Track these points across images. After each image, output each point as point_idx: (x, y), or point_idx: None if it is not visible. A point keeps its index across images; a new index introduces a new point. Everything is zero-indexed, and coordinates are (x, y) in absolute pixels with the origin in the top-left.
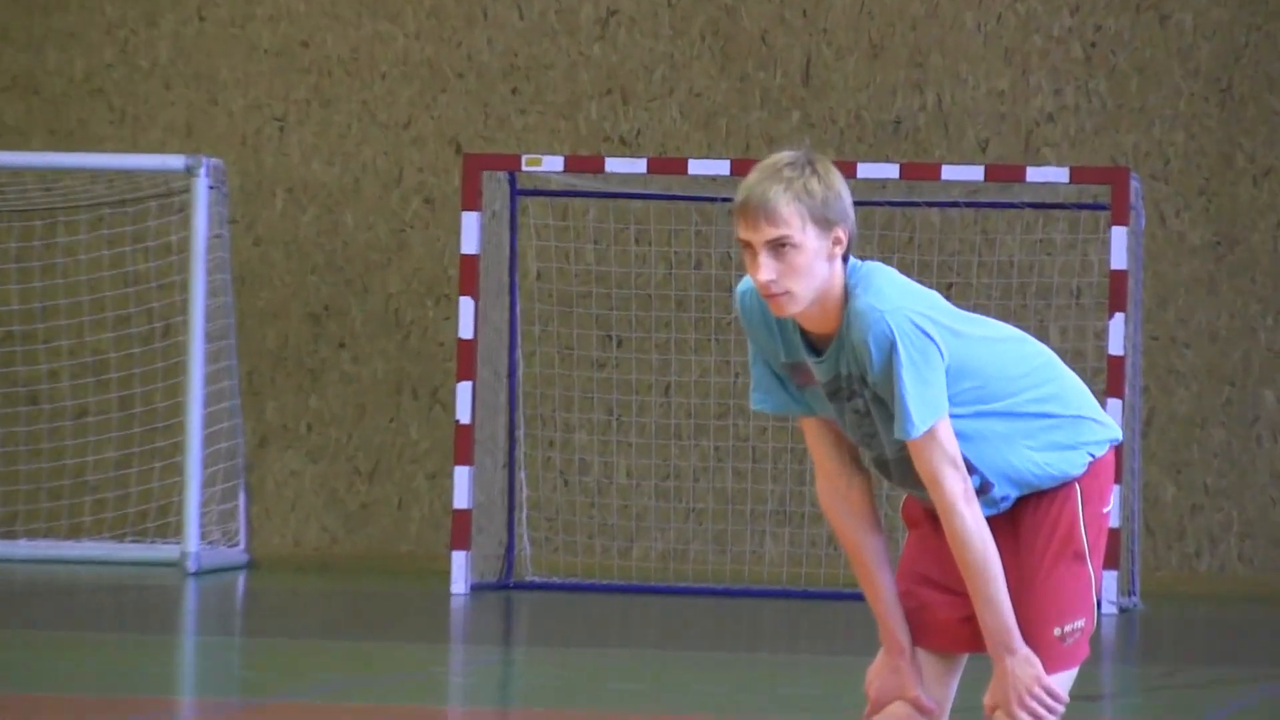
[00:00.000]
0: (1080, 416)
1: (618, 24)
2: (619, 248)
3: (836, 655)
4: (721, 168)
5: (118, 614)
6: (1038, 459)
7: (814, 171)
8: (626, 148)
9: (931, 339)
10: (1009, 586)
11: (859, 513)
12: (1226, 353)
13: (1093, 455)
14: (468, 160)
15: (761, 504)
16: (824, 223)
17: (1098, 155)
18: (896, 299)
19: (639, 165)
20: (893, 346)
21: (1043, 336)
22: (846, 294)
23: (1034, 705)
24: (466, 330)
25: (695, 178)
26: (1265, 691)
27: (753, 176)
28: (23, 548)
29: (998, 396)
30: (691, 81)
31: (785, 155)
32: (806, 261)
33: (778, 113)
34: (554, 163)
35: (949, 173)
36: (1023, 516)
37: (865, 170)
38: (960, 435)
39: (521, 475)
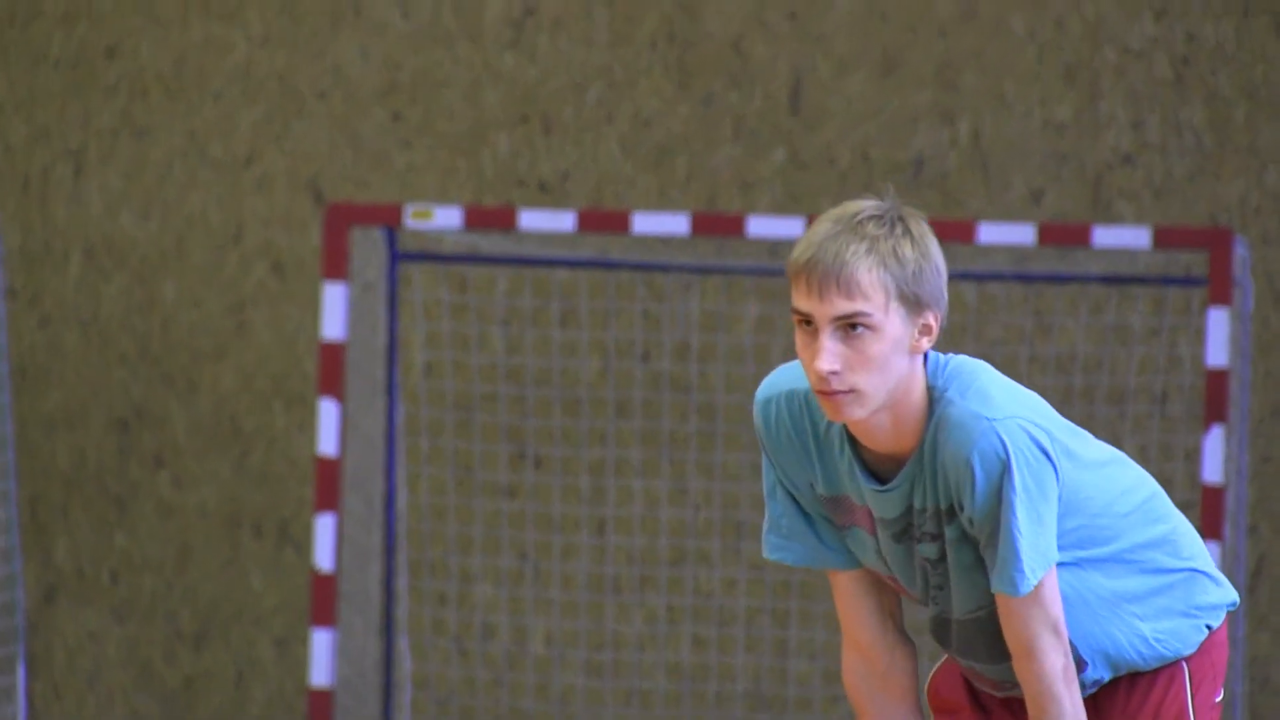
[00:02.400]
0: (1195, 571)
1: (537, 26)
2: (538, 332)
3: None
4: (678, 224)
5: None
6: (1146, 631)
7: (907, 232)
8: (549, 196)
9: (1051, 461)
10: None
11: (900, 701)
12: None
13: (1210, 627)
14: (331, 212)
15: (730, 683)
16: (913, 303)
17: (1191, 211)
18: (1008, 405)
19: (565, 220)
20: (1005, 469)
21: None
22: (931, 399)
23: None
24: (329, 445)
25: (642, 237)
26: None
27: (823, 228)
28: None
29: (1103, 541)
30: (638, 105)
31: (867, 205)
32: (884, 351)
33: (756, 149)
34: (449, 216)
35: (989, 233)
36: (1111, 707)
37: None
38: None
39: (403, 642)
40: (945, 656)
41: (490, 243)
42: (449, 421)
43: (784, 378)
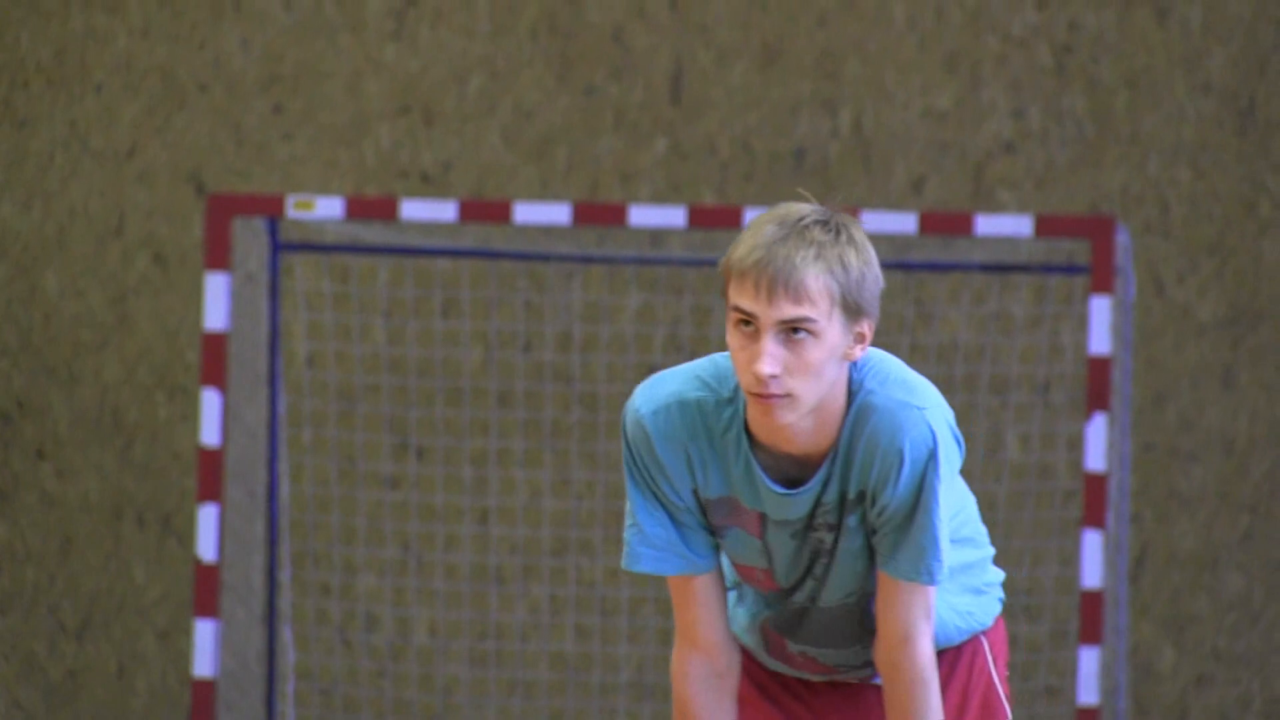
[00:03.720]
0: (988, 552)
1: (418, 17)
2: (420, 323)
3: None
4: (560, 214)
5: None
6: (959, 605)
7: (851, 240)
8: (430, 186)
9: (962, 452)
10: None
11: (733, 697)
12: (1245, 468)
13: (1001, 601)
14: (213, 203)
15: (614, 673)
16: (854, 310)
17: (1073, 199)
18: (931, 395)
19: (447, 210)
20: (932, 458)
21: (999, 444)
22: (851, 394)
23: None
24: (211, 435)
25: (524, 228)
26: None
27: (767, 230)
28: None
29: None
30: (519, 96)
31: (808, 210)
32: (822, 358)
33: (637, 139)
34: (331, 206)
35: (871, 221)
36: None
37: (755, 217)
38: None
39: (287, 633)
40: None
41: (372, 233)
42: (332, 412)
43: (667, 389)
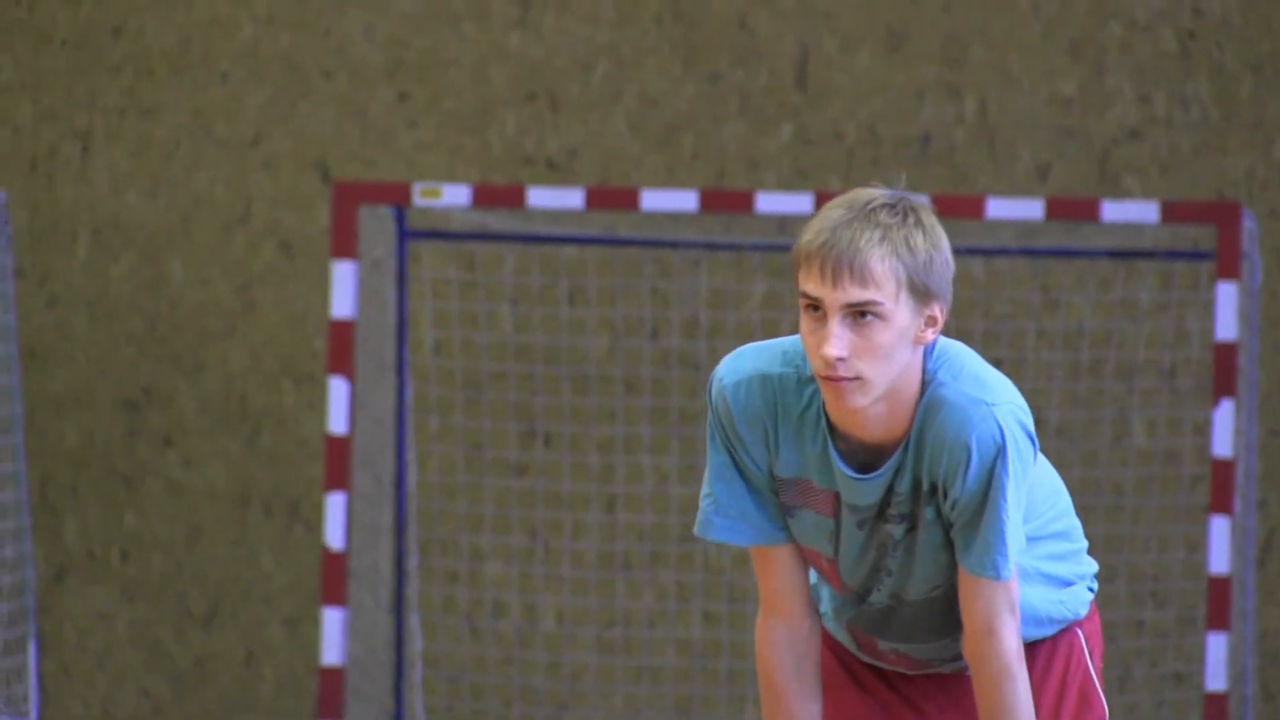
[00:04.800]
0: (1081, 545)
1: (543, 5)
2: (546, 310)
3: None
4: (687, 200)
5: None
6: (1053, 597)
7: (919, 223)
8: (556, 174)
9: (1035, 449)
10: None
11: (812, 669)
12: None
13: (1092, 591)
14: (339, 191)
15: (741, 660)
16: (923, 293)
17: (1198, 186)
18: (1003, 391)
19: (573, 198)
20: (1000, 454)
21: (1125, 430)
22: (923, 384)
23: None
24: (338, 423)
25: (650, 215)
26: None
27: (835, 214)
28: None
29: (1036, 517)
30: (644, 83)
31: (878, 194)
32: (891, 341)
33: (762, 126)
34: (457, 194)
35: (996, 208)
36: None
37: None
38: None
39: (414, 621)
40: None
41: (498, 221)
42: (459, 400)
43: (751, 363)
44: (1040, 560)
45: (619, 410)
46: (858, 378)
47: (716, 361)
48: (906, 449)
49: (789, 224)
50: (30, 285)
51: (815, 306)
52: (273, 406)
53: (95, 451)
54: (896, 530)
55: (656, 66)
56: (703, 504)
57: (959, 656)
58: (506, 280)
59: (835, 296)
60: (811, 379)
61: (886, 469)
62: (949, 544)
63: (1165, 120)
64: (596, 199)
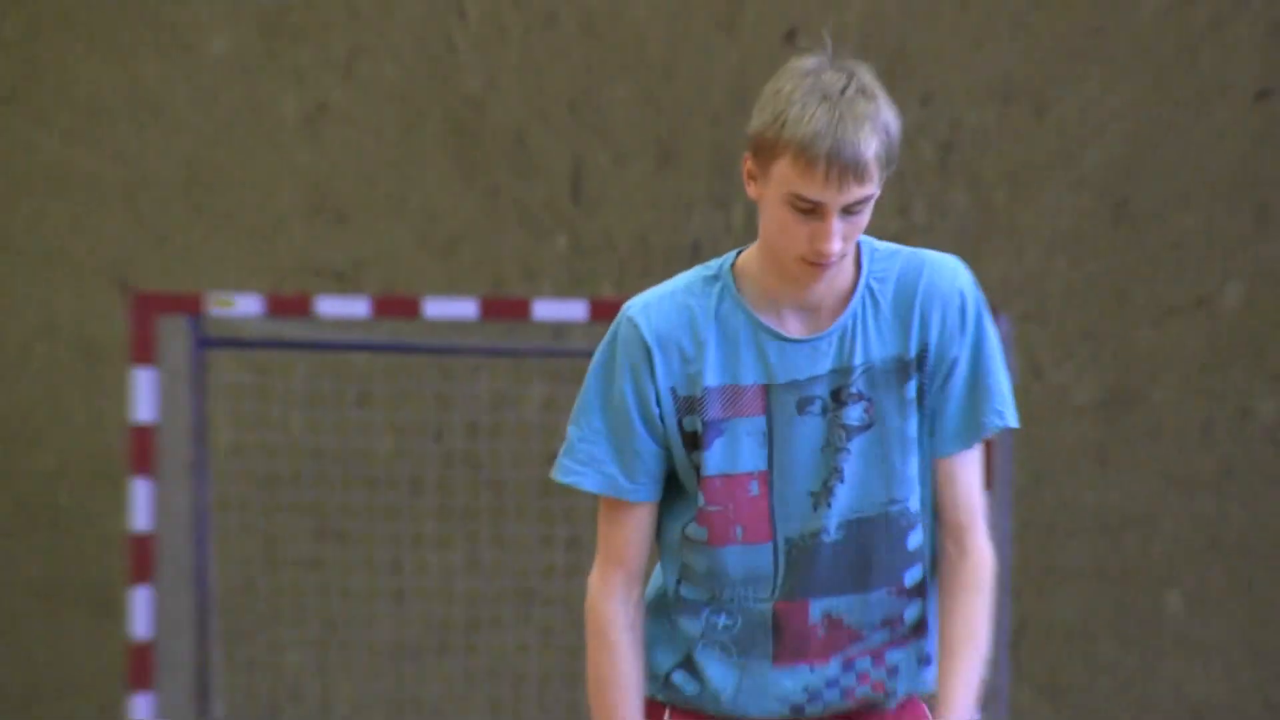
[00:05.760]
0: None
1: (329, 121)
2: (336, 414)
3: None
4: (467, 308)
5: None
6: (913, 664)
7: (878, 96)
8: (343, 283)
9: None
10: None
11: (640, 635)
12: (1119, 544)
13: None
14: (138, 301)
15: None
16: (889, 167)
17: None
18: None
19: (360, 306)
20: (981, 303)
21: None
22: (858, 246)
23: None
24: (142, 521)
25: (433, 322)
26: None
27: (819, 110)
28: None
29: None
30: (427, 196)
31: (839, 75)
32: (868, 217)
33: (539, 236)
34: (250, 303)
35: None
36: None
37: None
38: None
39: (218, 707)
40: None
41: (290, 329)
42: (255, 498)
43: (655, 292)
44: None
45: (405, 508)
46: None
47: (497, 462)
48: (865, 315)
49: (565, 330)
50: None
51: (811, 209)
52: (79, 506)
53: None
54: (852, 414)
55: (438, 180)
56: (565, 448)
57: (887, 623)
58: (299, 385)
59: (839, 199)
60: (715, 276)
61: (839, 325)
62: (908, 441)
63: (925, 227)
64: (382, 308)
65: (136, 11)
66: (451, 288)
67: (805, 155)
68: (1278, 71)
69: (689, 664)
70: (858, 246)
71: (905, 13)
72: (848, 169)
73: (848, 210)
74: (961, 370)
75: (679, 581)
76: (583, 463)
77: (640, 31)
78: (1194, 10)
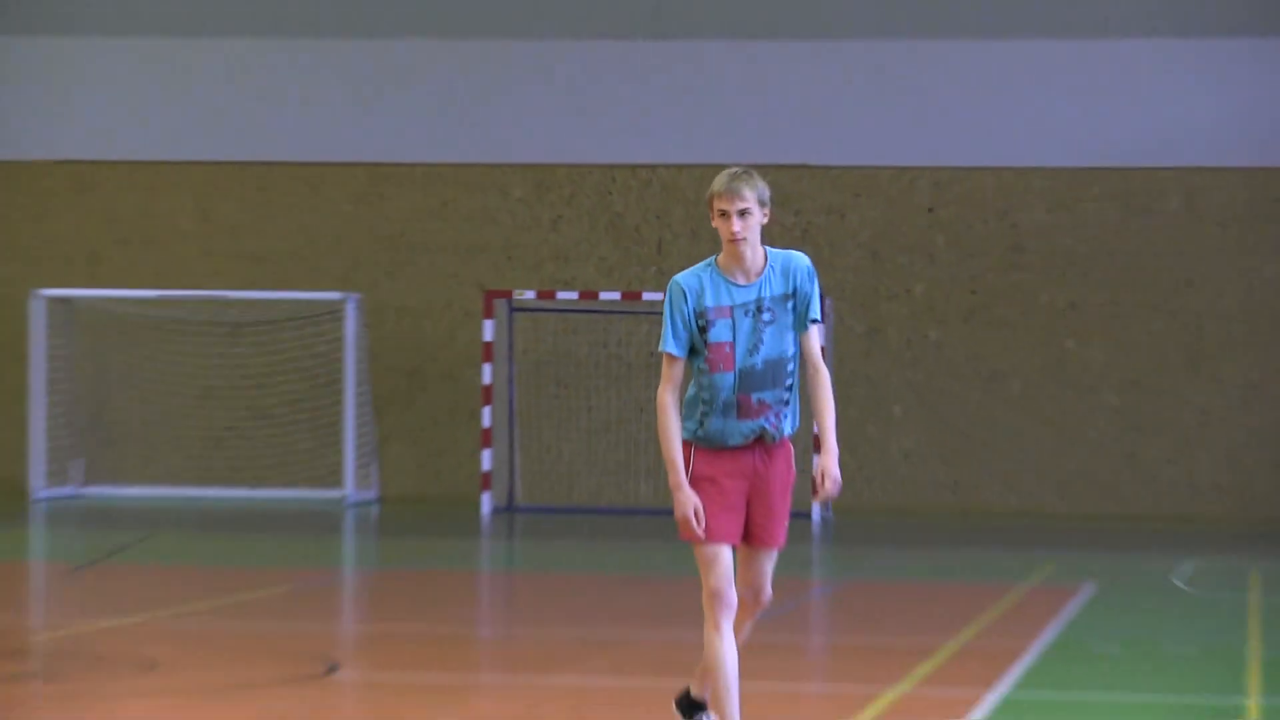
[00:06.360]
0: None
1: None
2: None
3: None
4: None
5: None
6: (792, 420)
7: (755, 176)
8: None
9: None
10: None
11: (678, 411)
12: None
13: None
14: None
15: None
16: (762, 203)
17: None
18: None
19: None
20: (810, 272)
21: None
22: (764, 247)
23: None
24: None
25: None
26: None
27: (724, 177)
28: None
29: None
30: None
31: (736, 168)
32: (754, 222)
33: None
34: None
35: None
36: (777, 452)
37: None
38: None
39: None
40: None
41: None
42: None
43: (684, 273)
44: (795, 403)
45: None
46: (745, 239)
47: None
48: (771, 275)
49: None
50: None
51: (725, 214)
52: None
53: None
54: (766, 316)
55: None
56: (664, 339)
57: (780, 400)
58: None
59: (734, 206)
60: (707, 265)
61: (760, 282)
62: (788, 328)
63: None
64: None
65: None
66: None
67: (720, 191)
68: None
69: (701, 423)
70: (765, 251)
71: None
72: (734, 195)
73: (740, 214)
74: (803, 298)
75: (697, 389)
76: (663, 341)
77: None
78: None
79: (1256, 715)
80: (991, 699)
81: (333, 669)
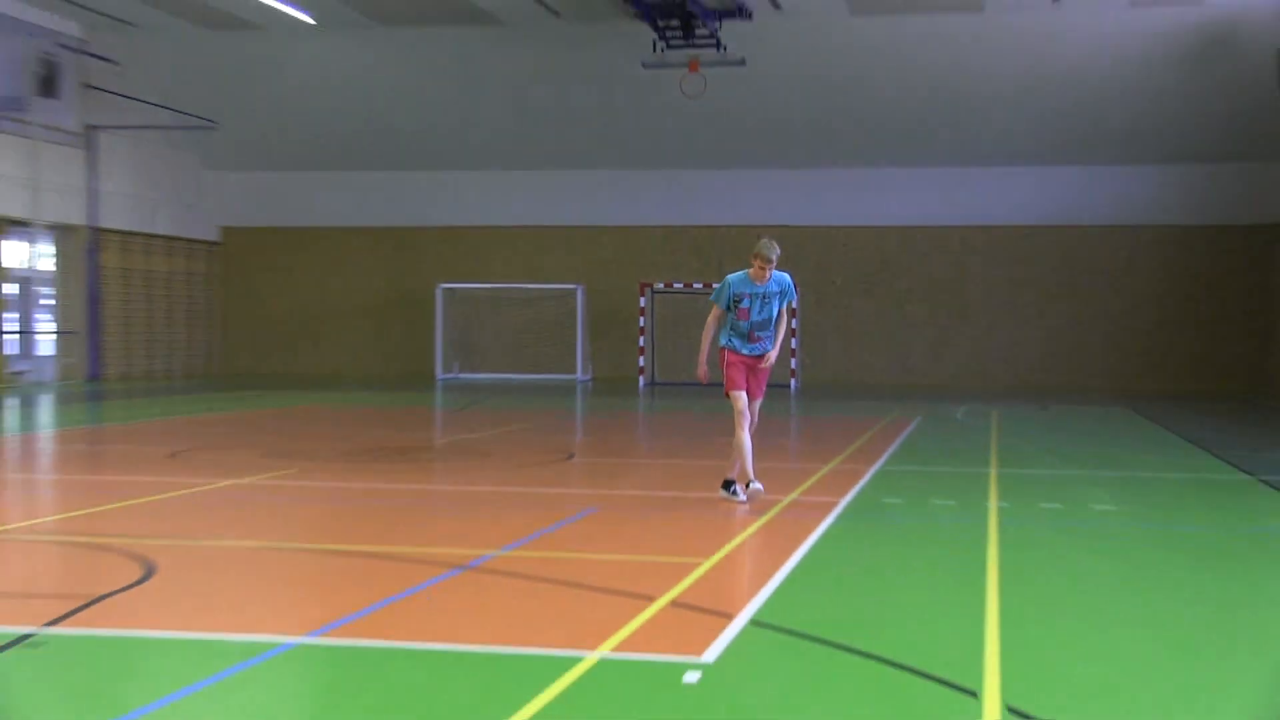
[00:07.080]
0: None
1: None
2: None
3: None
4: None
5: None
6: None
7: (775, 242)
8: None
9: (795, 286)
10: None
11: (717, 329)
12: None
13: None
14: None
15: None
16: (779, 261)
17: None
18: (785, 272)
19: None
20: (790, 282)
21: None
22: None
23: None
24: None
25: None
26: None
27: (764, 241)
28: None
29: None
30: None
31: (768, 239)
32: (776, 266)
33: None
34: None
35: None
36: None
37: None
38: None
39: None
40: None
41: None
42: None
43: (733, 275)
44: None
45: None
46: (766, 273)
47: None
48: (772, 283)
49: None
50: None
51: (762, 264)
52: None
53: None
54: (771, 300)
55: None
56: (716, 297)
57: (768, 337)
58: None
59: (770, 259)
60: (742, 274)
61: (767, 285)
62: (776, 305)
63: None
64: None
65: None
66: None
67: (759, 250)
68: None
69: (730, 340)
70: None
71: None
72: (770, 253)
73: (770, 263)
74: (786, 293)
75: (732, 325)
76: (714, 298)
77: None
78: None
79: (995, 464)
80: (873, 469)
81: (570, 456)
